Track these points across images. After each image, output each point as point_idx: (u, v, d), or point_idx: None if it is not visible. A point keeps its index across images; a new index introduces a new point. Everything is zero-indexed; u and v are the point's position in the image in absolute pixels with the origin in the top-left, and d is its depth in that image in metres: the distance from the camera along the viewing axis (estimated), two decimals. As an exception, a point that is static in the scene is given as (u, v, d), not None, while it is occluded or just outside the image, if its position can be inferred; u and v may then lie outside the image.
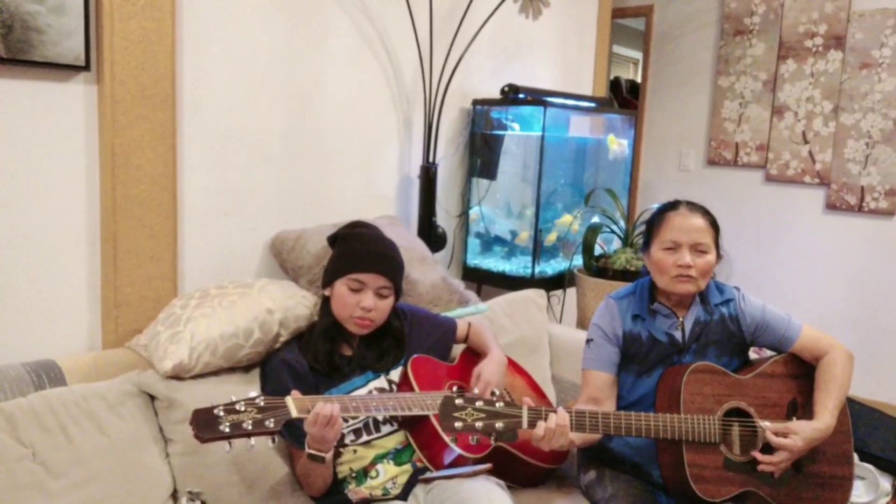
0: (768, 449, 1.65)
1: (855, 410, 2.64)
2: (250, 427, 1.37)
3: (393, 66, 2.58)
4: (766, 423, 1.66)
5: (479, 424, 1.44)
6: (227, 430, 1.35)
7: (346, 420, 1.68)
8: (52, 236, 1.74)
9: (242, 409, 1.39)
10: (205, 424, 1.35)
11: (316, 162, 2.35)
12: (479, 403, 1.46)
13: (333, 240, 1.85)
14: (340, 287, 1.73)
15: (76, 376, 1.63)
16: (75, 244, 1.79)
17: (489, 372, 1.83)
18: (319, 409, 1.44)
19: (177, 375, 1.66)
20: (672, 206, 1.82)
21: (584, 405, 1.79)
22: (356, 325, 1.73)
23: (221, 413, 1.37)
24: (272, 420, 1.39)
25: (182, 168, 1.97)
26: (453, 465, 1.67)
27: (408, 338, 1.86)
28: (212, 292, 1.83)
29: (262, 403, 1.41)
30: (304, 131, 2.30)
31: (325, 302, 1.79)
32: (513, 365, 2.08)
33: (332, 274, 1.76)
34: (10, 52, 1.59)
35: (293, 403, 1.45)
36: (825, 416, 1.67)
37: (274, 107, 2.20)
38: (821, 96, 3.85)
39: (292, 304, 1.83)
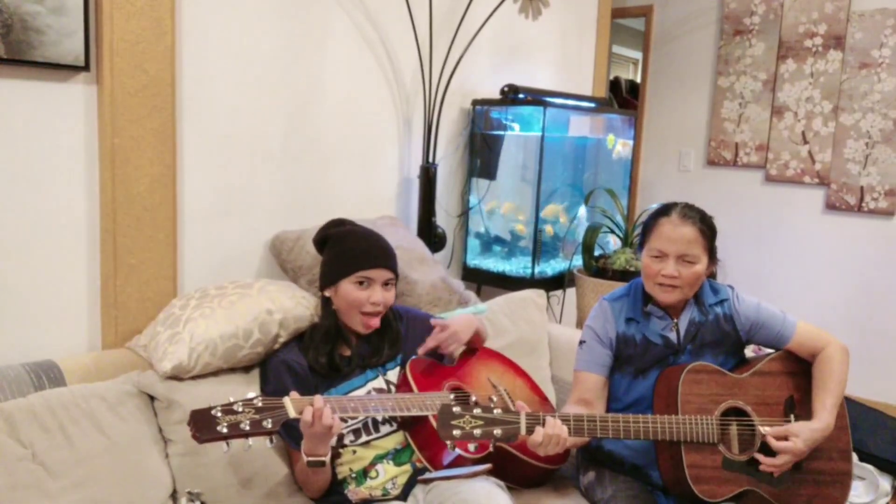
0: (768, 450, 1.65)
1: (855, 411, 2.64)
2: (248, 427, 1.37)
3: (393, 66, 2.58)
4: (765, 429, 1.66)
5: (477, 432, 1.44)
6: (225, 430, 1.35)
7: (345, 420, 1.68)
8: (51, 237, 1.75)
9: (240, 409, 1.39)
10: (203, 425, 1.35)
11: (316, 162, 2.35)
12: (476, 411, 1.45)
13: (323, 242, 1.85)
14: (346, 286, 1.73)
15: (76, 377, 1.63)
16: (75, 244, 1.79)
17: (458, 323, 1.89)
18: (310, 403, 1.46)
19: (176, 376, 1.66)
20: (665, 211, 1.78)
21: (575, 406, 1.80)
22: (365, 321, 1.74)
23: (219, 414, 1.37)
24: (270, 420, 1.40)
25: (182, 168, 1.97)
26: (453, 465, 1.67)
27: (405, 339, 1.86)
28: (211, 293, 1.83)
29: (259, 404, 1.41)
30: (304, 131, 2.30)
31: (326, 303, 1.79)
32: (513, 366, 2.08)
33: (335, 275, 1.76)
34: (10, 52, 1.59)
35: (291, 404, 1.45)
36: (824, 415, 1.67)
37: (274, 107, 2.20)
38: (820, 96, 3.85)
39: (292, 305, 1.83)
